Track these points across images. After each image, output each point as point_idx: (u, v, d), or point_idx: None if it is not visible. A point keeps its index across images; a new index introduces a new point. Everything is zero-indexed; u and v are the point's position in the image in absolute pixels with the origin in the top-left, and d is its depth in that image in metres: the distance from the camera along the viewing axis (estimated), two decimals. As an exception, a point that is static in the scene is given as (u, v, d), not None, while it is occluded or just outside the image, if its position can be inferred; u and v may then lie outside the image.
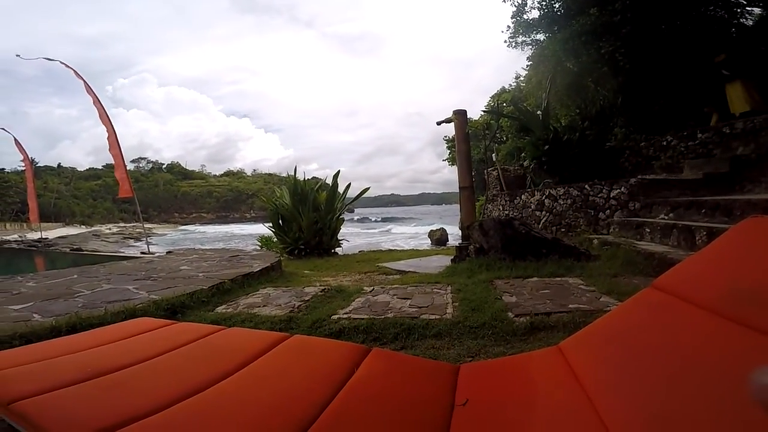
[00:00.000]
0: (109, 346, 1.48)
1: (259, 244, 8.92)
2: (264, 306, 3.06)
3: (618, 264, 3.69)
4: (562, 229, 6.27)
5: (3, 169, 30.42)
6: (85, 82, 8.32)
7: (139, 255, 7.23)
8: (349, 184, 8.58)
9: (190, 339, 1.51)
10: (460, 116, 5.69)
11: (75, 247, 12.13)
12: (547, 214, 6.70)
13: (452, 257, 5.13)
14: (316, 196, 7.96)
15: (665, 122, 6.61)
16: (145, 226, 10.28)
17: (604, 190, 5.70)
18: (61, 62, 8.71)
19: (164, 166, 69.51)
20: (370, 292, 3.40)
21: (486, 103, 19.96)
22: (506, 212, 8.06)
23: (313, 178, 9.54)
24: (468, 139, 5.85)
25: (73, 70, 8.42)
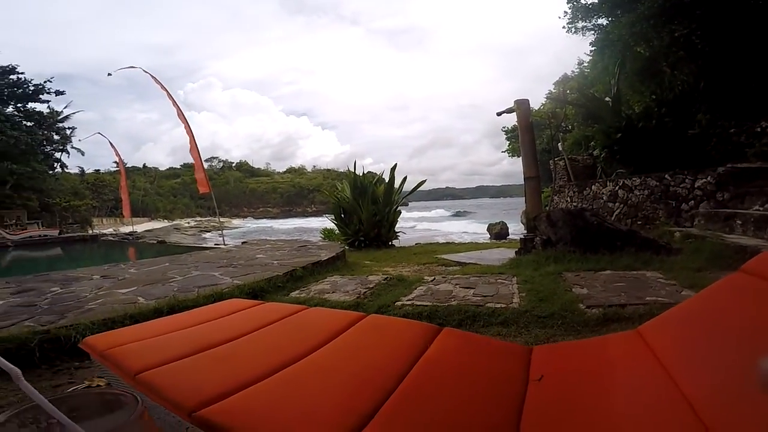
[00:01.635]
0: (210, 323, 1.69)
1: (323, 236, 9.35)
2: (333, 292, 3.26)
3: (703, 258, 3.39)
4: (638, 222, 5.84)
5: (98, 170, 34.59)
6: (165, 89, 9.14)
7: (216, 246, 7.93)
8: (405, 178, 8.67)
9: (278, 317, 1.68)
10: (522, 105, 5.54)
11: (160, 239, 13.56)
12: (621, 205, 6.27)
13: (516, 250, 5.02)
14: (375, 189, 8.15)
15: (759, 107, 5.85)
16: (220, 219, 11.22)
17: (687, 180, 5.22)
18: (144, 71, 9.64)
19: (234, 165, 74.78)
20: (431, 281, 3.46)
21: (548, 92, 18.90)
22: (575, 204, 7.67)
23: (369, 172, 9.75)
24: (532, 129, 5.67)
25: (154, 78, 9.25)
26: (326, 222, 9.15)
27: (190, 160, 9.26)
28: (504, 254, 5.43)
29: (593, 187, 7.21)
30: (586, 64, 14.37)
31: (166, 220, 32.11)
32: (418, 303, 2.76)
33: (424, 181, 8.47)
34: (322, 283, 3.66)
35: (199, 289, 3.17)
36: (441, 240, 11.64)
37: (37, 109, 23.02)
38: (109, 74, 9.92)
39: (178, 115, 9.19)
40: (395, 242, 8.45)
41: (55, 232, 15.20)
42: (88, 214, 23.63)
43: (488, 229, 15.17)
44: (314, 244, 6.20)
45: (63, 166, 25.61)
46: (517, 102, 5.56)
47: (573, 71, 17.58)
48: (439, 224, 28.41)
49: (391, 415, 0.90)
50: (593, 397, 0.87)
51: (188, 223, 29.71)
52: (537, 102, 16.13)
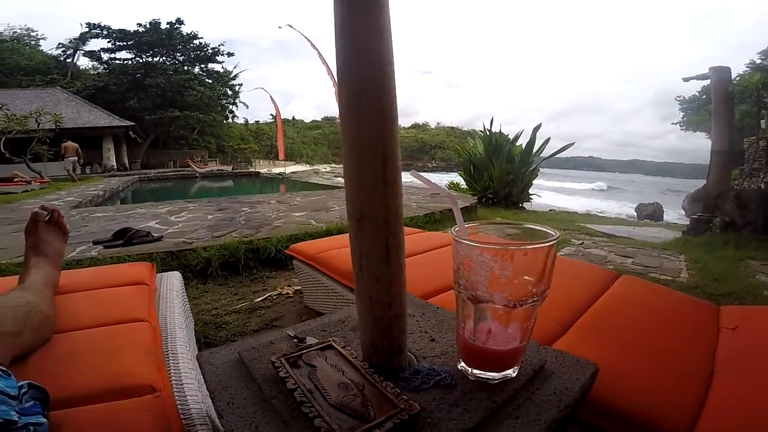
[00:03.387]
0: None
1: (447, 188, 9.43)
2: (472, 239, 3.38)
3: None
4: None
5: (258, 121, 40.21)
6: (316, 48, 9.87)
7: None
8: (548, 139, 8.01)
9: (442, 243, 1.87)
10: (720, 73, 4.93)
11: (303, 180, 15.50)
12: None
13: (683, 230, 4.36)
14: (511, 148, 7.78)
15: None
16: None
17: None
18: (297, 30, 10.51)
19: (363, 119, 78.63)
20: (580, 244, 3.29)
21: (749, 61, 14.53)
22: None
23: (499, 132, 9.26)
24: (731, 99, 4.87)
25: (303, 35, 10.00)
26: (446, 178, 9.15)
27: (329, 114, 10.08)
28: (662, 234, 4.77)
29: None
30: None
31: (307, 165, 36.25)
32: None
33: (571, 144, 7.69)
34: (459, 230, 3.81)
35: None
36: (579, 210, 10.62)
37: (215, 69, 27.42)
38: (280, 27, 11.34)
39: (328, 72, 9.92)
40: (526, 205, 8.07)
41: (228, 168, 18.77)
42: (251, 155, 28.13)
43: (637, 209, 13.18)
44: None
45: (234, 116, 30.68)
46: (713, 69, 4.96)
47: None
48: (571, 196, 25.60)
49: (582, 328, 0.99)
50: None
51: (325, 168, 33.02)
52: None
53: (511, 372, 0.53)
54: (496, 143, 7.85)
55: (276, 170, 21.86)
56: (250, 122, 38.95)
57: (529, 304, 0.48)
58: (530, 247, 0.46)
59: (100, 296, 1.12)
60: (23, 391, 0.54)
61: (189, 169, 17.16)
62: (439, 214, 4.08)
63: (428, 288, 1.22)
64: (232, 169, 19.11)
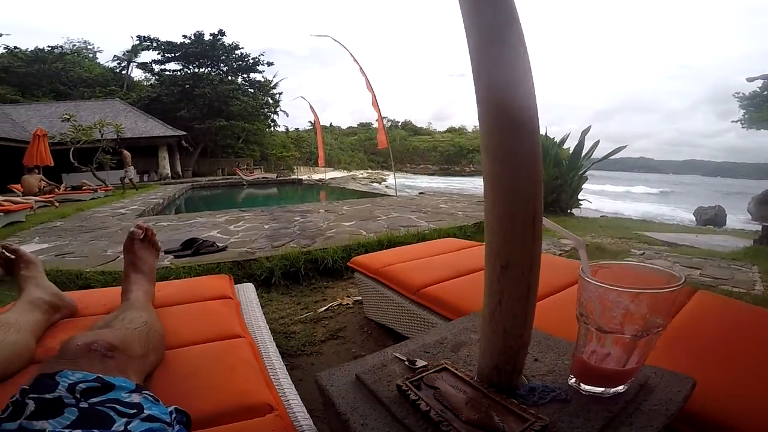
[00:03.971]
0: (448, 254, 1.99)
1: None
2: (524, 249, 3.32)
3: None
4: None
5: (297, 128, 41.52)
6: (354, 58, 10.02)
7: (391, 194, 8.79)
8: (597, 142, 7.68)
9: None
10: None
11: (341, 186, 15.82)
12: None
13: (755, 238, 4.05)
14: (558, 151, 7.54)
15: None
16: (394, 173, 12.29)
17: None
18: (333, 39, 10.69)
19: (399, 124, 78.89)
20: (641, 254, 3.15)
21: None
22: None
23: (543, 135, 8.98)
24: None
25: (343, 46, 10.14)
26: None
27: (365, 120, 10.29)
28: (728, 242, 4.44)
29: None
30: None
31: (344, 171, 36.92)
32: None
33: (623, 147, 7.37)
34: (510, 239, 3.75)
35: (403, 228, 3.68)
36: (632, 215, 10.07)
37: (256, 79, 28.43)
38: (311, 35, 11.53)
39: (367, 85, 10.01)
40: (575, 211, 7.77)
41: (273, 176, 19.59)
42: (292, 162, 29.10)
43: (696, 214, 12.28)
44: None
45: (275, 124, 31.85)
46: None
47: None
48: (621, 200, 24.22)
49: (670, 344, 0.97)
50: None
51: (362, 174, 33.52)
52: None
53: (621, 387, 0.58)
54: (542, 147, 7.63)
55: (316, 176, 22.44)
56: (290, 129, 40.29)
57: (654, 333, 0.53)
58: (665, 290, 0.49)
59: (192, 311, 1.20)
60: (173, 416, 0.57)
61: (236, 176, 18.04)
62: (487, 223, 4.04)
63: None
64: (276, 176, 19.87)
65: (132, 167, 12.53)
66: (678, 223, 10.41)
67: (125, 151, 12.47)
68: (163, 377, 0.78)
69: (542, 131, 7.94)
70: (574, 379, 0.61)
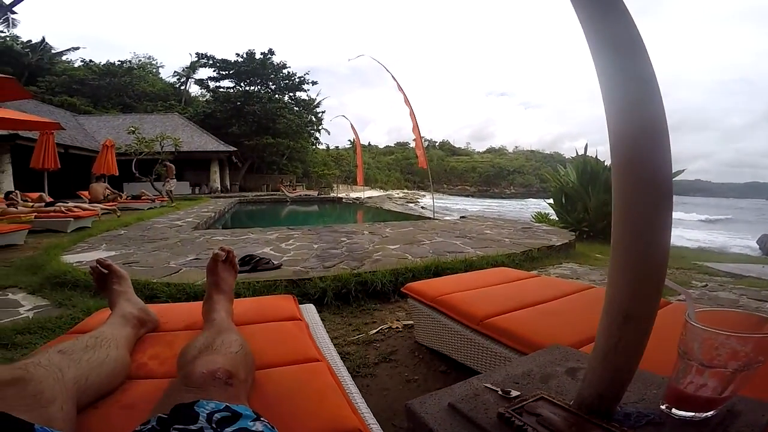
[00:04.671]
0: (505, 285, 1.97)
1: (534, 220, 9.05)
2: (576, 279, 3.21)
3: None
4: None
5: (337, 146, 42.68)
6: (389, 72, 10.04)
7: (428, 215, 8.77)
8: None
9: (570, 291, 1.82)
10: None
11: (377, 205, 16.02)
12: None
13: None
14: (608, 175, 7.26)
15: None
16: (432, 194, 12.29)
17: None
18: (371, 57, 10.95)
19: (437, 144, 79.12)
20: (704, 286, 2.96)
21: None
22: None
23: (593, 158, 8.69)
24: None
25: (380, 63, 10.19)
26: (527, 205, 8.74)
27: (402, 139, 10.39)
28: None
29: None
30: None
31: (381, 190, 37.38)
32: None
33: (681, 171, 6.98)
34: (560, 268, 3.64)
35: (449, 254, 3.67)
36: (688, 245, 9.42)
37: (302, 97, 29.48)
38: (349, 59, 11.87)
39: (405, 101, 10.12)
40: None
41: (314, 193, 20.25)
42: (332, 180, 29.86)
43: (760, 242, 11.27)
44: (538, 227, 6.13)
45: (318, 142, 32.96)
46: None
47: None
48: (677, 227, 22.46)
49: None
50: None
51: (397, 194, 33.77)
52: None
53: (711, 413, 0.61)
54: (592, 171, 7.39)
55: (353, 194, 22.86)
56: (331, 147, 41.49)
57: (753, 368, 0.56)
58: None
59: (266, 331, 1.25)
60: None
61: (280, 193, 18.75)
62: (536, 251, 3.94)
63: (578, 337, 1.28)
64: (318, 194, 20.48)
65: (173, 179, 12.79)
66: (739, 252, 9.65)
67: (170, 164, 12.99)
68: (256, 401, 0.80)
69: (591, 152, 7.75)
70: (665, 405, 0.64)
